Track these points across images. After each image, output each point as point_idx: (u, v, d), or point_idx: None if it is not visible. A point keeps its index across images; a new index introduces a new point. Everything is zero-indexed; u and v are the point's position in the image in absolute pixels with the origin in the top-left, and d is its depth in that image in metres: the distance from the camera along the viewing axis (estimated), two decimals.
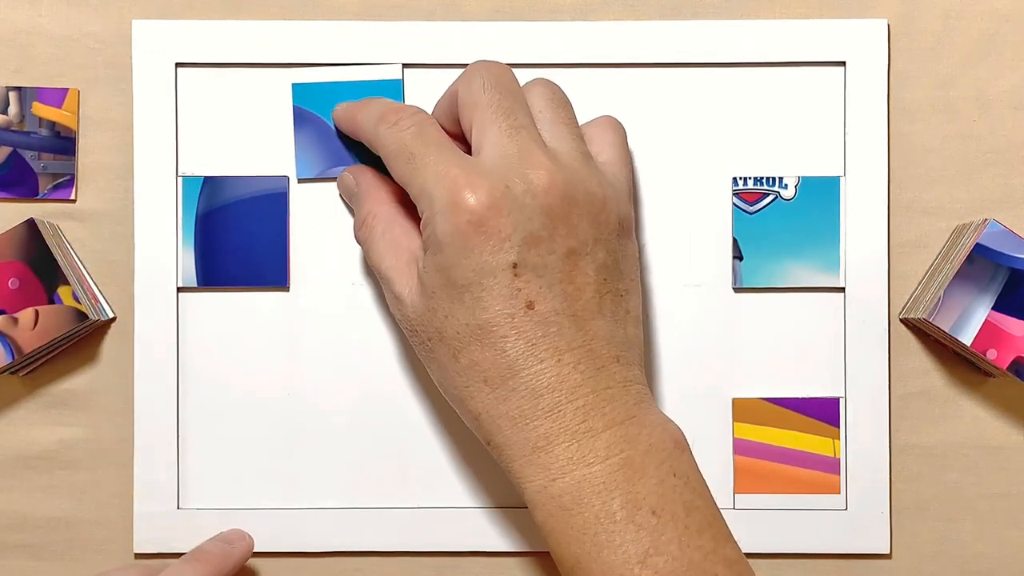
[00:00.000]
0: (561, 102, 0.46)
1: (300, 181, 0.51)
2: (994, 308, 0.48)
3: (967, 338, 0.48)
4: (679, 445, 0.43)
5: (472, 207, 0.41)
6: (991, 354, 0.48)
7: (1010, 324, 0.48)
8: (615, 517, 0.41)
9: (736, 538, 0.42)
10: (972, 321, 0.48)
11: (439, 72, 0.50)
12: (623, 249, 0.44)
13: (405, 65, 0.50)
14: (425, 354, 0.45)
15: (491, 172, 0.42)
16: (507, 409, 0.42)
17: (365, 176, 0.49)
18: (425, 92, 0.50)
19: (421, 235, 0.44)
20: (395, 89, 0.50)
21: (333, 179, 0.50)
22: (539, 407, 0.42)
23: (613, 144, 0.47)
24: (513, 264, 0.42)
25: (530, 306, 0.42)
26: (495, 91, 0.44)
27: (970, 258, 0.48)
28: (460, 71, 0.50)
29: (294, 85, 0.50)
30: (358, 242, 0.48)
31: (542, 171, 0.42)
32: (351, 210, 0.50)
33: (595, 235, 0.43)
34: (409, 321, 0.45)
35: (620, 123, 0.48)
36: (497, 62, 0.46)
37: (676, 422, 0.44)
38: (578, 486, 0.41)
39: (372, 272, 0.51)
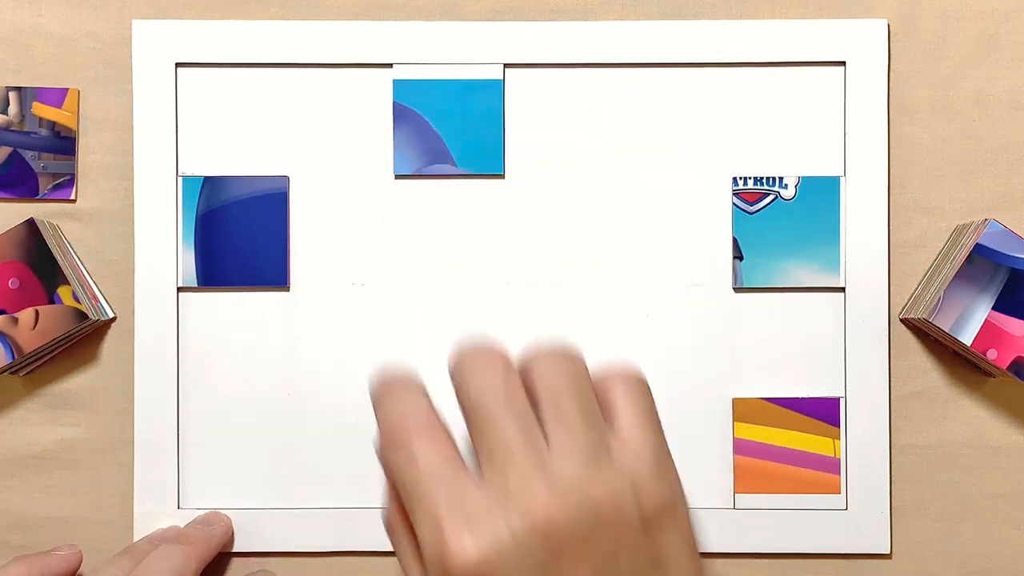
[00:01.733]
0: (566, 384, 0.39)
1: (397, 177, 0.50)
2: (994, 308, 0.48)
3: (967, 338, 0.48)
4: None
5: (461, 569, 0.36)
6: (991, 354, 0.48)
7: (1010, 324, 0.48)
8: None
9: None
10: (972, 321, 0.48)
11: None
12: (655, 536, 0.38)
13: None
14: None
15: (481, 515, 0.37)
16: None
17: (391, 508, 0.42)
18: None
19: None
20: (495, 89, 0.50)
21: (431, 176, 0.50)
22: None
23: (632, 408, 0.40)
24: None
25: None
26: (475, 413, 0.39)
27: (970, 258, 0.48)
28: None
29: (395, 81, 0.50)
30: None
31: (538, 509, 0.36)
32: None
33: (613, 549, 0.37)
34: None
35: (638, 375, 0.41)
36: (481, 358, 0.39)
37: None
38: None
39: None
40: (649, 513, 0.38)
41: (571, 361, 0.40)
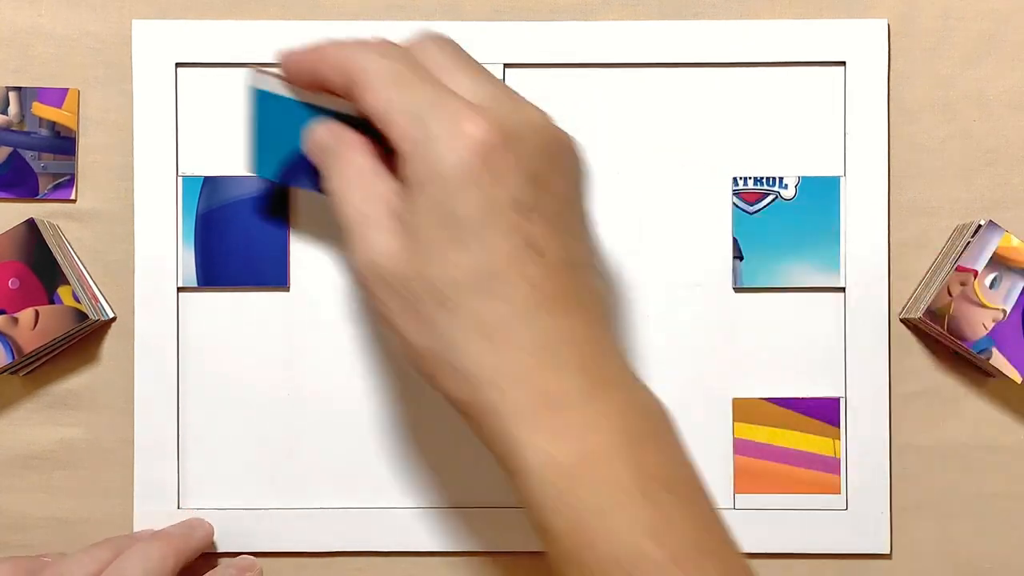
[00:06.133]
0: (454, 53, 0.42)
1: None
2: None
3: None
4: (666, 412, 0.41)
5: (478, 137, 0.38)
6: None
7: None
8: (624, 485, 0.37)
9: (737, 538, 0.42)
10: None
11: None
12: (554, 169, 0.41)
13: None
14: (399, 311, 0.40)
15: (487, 107, 0.39)
16: (508, 365, 0.38)
17: (337, 129, 0.43)
18: None
19: (398, 174, 0.40)
20: None
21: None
22: (545, 362, 0.38)
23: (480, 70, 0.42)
24: (521, 201, 0.38)
25: (540, 253, 0.38)
26: (392, 82, 0.40)
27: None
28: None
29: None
30: (329, 192, 0.43)
31: (531, 109, 0.40)
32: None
33: (577, 177, 0.41)
34: (380, 274, 0.40)
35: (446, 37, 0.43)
36: (372, 46, 0.41)
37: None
38: (586, 452, 0.37)
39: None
40: (552, 149, 0.40)
41: (448, 41, 0.42)
